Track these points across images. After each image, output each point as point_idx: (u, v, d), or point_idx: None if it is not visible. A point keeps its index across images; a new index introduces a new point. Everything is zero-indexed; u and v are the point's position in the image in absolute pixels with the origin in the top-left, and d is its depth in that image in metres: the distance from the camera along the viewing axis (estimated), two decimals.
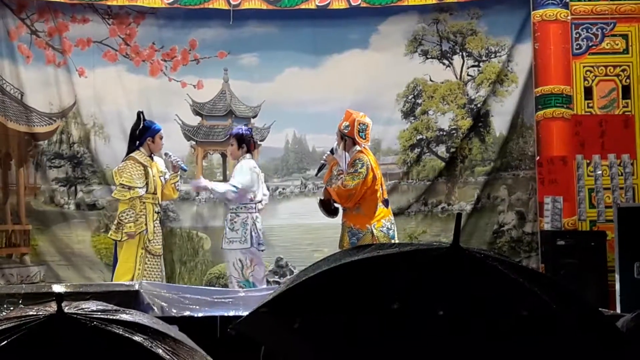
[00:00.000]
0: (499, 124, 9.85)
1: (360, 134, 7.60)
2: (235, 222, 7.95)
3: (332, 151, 7.80)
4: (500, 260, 2.22)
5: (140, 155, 7.93)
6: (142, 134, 7.97)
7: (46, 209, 9.71)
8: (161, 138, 8.05)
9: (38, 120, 9.69)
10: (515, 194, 9.79)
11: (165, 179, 8.09)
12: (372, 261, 2.18)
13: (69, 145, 9.77)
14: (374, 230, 7.46)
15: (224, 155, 9.97)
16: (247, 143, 8.10)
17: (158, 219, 7.99)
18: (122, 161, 7.99)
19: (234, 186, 7.88)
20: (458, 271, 2.16)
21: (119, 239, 7.83)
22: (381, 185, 7.70)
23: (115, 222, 7.92)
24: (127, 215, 7.76)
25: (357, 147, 7.62)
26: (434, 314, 2.12)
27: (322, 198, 7.81)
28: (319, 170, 8.09)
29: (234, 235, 7.93)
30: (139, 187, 7.78)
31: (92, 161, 9.77)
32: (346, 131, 7.62)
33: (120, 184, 7.84)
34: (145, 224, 7.79)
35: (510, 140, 9.79)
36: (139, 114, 8.09)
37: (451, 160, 9.90)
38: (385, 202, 7.69)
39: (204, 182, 8.27)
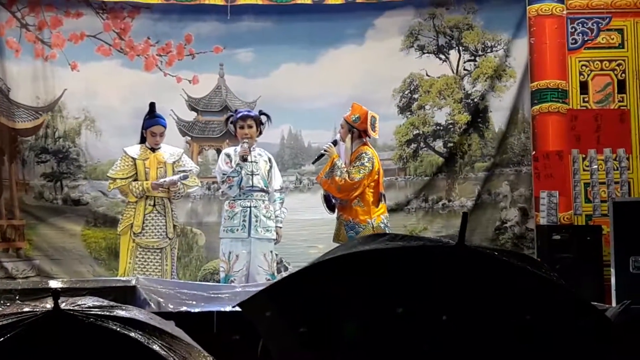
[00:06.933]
0: (498, 119, 9.79)
1: (372, 126, 7.53)
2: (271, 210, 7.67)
3: (334, 142, 7.63)
4: (507, 252, 2.22)
5: (139, 148, 7.83)
6: (142, 126, 7.89)
7: (37, 204, 9.66)
8: (153, 135, 7.79)
9: (25, 115, 9.62)
10: (518, 189, 9.72)
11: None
12: (379, 254, 2.16)
13: (54, 139, 9.72)
14: (374, 225, 7.39)
15: (219, 151, 9.93)
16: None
17: (153, 211, 7.71)
18: None
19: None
20: (465, 269, 2.15)
21: (118, 232, 7.81)
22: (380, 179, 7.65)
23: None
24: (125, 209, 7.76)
25: (362, 140, 7.54)
26: (442, 313, 2.11)
27: (325, 193, 7.67)
28: (317, 158, 7.87)
29: (271, 224, 7.58)
30: (120, 179, 7.72)
31: (78, 156, 9.72)
32: (356, 123, 7.49)
33: (106, 174, 7.87)
34: (133, 217, 7.67)
35: (510, 136, 9.74)
36: (150, 105, 7.90)
37: (450, 156, 9.86)
38: (383, 197, 7.63)
39: None
